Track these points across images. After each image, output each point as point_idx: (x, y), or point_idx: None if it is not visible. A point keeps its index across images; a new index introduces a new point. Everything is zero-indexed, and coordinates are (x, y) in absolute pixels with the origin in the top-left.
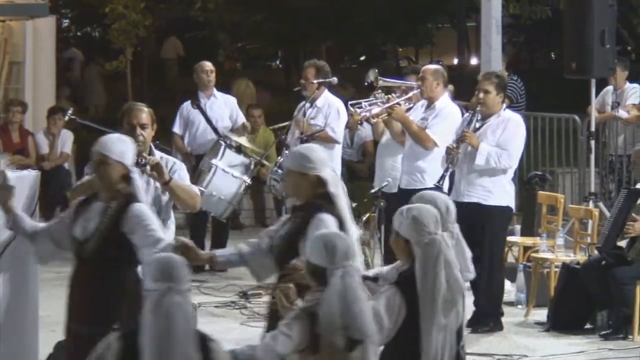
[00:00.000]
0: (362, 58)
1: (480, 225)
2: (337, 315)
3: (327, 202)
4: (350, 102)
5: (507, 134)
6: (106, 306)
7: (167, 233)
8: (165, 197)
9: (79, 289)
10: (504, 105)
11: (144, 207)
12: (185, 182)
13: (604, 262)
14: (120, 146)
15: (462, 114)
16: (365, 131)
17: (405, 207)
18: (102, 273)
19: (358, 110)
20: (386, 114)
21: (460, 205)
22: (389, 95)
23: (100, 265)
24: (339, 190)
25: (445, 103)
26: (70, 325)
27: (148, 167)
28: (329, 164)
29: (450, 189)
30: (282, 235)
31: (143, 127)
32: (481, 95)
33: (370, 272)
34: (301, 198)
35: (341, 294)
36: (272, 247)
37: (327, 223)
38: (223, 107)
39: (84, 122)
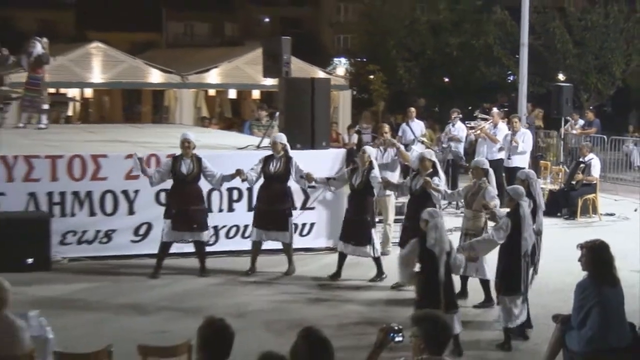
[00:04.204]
0: (469, 108)
1: (514, 174)
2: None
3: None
4: (466, 122)
5: (525, 138)
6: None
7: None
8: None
9: (354, 207)
10: (522, 126)
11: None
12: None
13: (565, 189)
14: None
15: (509, 129)
16: (471, 137)
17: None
18: (363, 197)
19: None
20: (479, 131)
21: (507, 168)
22: (483, 121)
23: (365, 191)
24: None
25: (503, 126)
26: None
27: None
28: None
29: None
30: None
31: (385, 133)
32: (513, 123)
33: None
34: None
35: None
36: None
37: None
38: (417, 126)
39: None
